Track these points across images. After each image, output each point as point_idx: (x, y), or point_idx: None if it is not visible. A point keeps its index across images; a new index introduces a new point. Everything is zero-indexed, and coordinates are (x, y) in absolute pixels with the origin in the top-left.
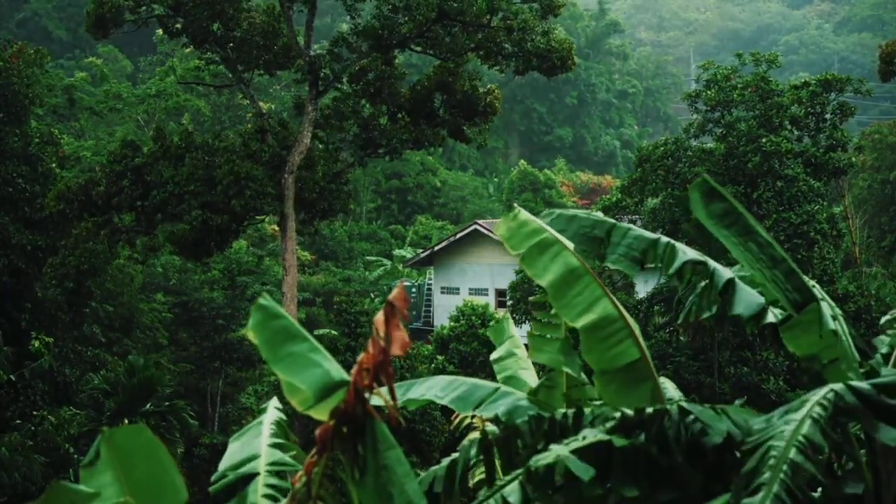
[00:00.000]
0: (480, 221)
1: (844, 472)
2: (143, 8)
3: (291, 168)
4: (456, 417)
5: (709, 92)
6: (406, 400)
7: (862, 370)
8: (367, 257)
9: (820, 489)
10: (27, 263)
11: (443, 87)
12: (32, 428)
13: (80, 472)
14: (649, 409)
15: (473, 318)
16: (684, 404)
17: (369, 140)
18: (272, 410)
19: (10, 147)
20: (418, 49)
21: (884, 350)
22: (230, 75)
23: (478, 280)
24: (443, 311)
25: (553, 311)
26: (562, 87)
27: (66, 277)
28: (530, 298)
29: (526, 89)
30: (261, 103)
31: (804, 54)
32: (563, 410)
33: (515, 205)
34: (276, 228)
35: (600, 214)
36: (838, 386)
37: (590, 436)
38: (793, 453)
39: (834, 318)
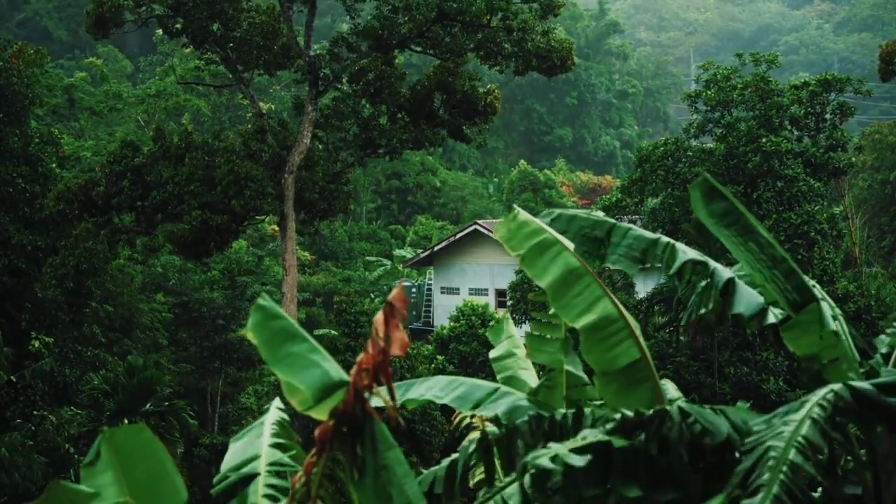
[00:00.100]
0: (480, 221)
1: (844, 473)
2: (143, 8)
3: (291, 168)
4: (456, 417)
5: (709, 92)
6: (406, 400)
7: (862, 370)
8: (367, 257)
9: (820, 490)
10: (27, 263)
11: (443, 87)
12: (33, 428)
13: (80, 472)
14: (649, 411)
15: (473, 318)
16: (684, 405)
17: (369, 140)
18: (274, 411)
19: (10, 147)
20: (418, 49)
21: (884, 350)
22: (230, 75)
23: (478, 280)
24: (443, 312)
25: (553, 311)
26: (562, 87)
27: (66, 277)
28: (529, 295)
29: (526, 89)
30: (261, 103)
31: (804, 54)
32: (563, 411)
33: (515, 205)
34: (276, 228)
35: (600, 214)
36: (838, 386)
37: (590, 436)
38: (792, 454)
39: (834, 318)
